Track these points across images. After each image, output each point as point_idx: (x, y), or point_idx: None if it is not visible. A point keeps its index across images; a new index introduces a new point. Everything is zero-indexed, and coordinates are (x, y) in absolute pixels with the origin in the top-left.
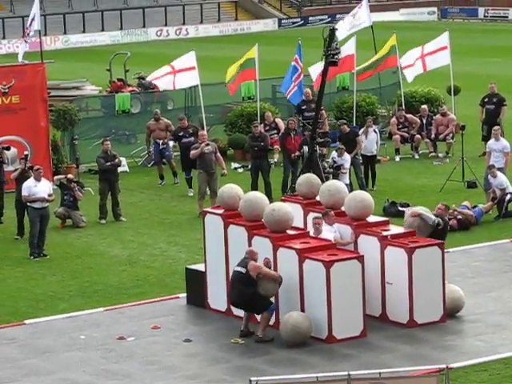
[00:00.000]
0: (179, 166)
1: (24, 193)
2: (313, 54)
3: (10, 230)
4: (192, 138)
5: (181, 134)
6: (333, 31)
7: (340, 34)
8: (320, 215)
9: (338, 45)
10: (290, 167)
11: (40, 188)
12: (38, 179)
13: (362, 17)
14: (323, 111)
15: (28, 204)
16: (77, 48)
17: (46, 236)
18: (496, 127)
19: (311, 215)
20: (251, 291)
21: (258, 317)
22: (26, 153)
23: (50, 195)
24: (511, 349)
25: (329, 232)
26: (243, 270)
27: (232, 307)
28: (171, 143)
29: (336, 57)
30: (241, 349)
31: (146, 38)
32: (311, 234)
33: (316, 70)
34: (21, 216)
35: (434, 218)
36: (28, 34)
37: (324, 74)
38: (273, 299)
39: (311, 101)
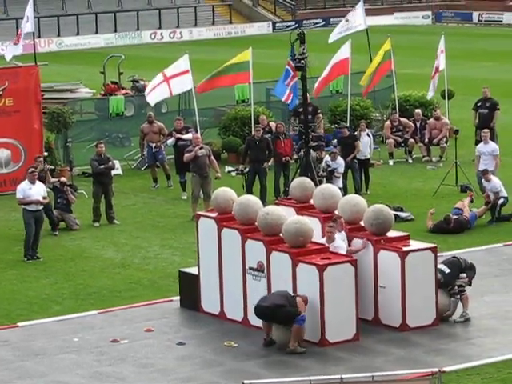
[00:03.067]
0: (173, 169)
1: (18, 195)
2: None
3: (3, 232)
4: (188, 140)
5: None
6: (301, 36)
7: (332, 37)
8: (333, 224)
9: (305, 49)
10: (281, 170)
11: (34, 190)
12: (32, 182)
13: (357, 20)
14: (320, 114)
15: (22, 206)
16: (71, 50)
17: (39, 239)
18: (485, 130)
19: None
20: (288, 310)
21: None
22: (45, 153)
23: (44, 198)
24: (503, 353)
25: (341, 240)
26: (292, 310)
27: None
28: (170, 140)
29: (302, 61)
30: (234, 352)
31: (140, 40)
32: (324, 241)
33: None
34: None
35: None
36: (21, 36)
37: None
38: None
39: (309, 104)
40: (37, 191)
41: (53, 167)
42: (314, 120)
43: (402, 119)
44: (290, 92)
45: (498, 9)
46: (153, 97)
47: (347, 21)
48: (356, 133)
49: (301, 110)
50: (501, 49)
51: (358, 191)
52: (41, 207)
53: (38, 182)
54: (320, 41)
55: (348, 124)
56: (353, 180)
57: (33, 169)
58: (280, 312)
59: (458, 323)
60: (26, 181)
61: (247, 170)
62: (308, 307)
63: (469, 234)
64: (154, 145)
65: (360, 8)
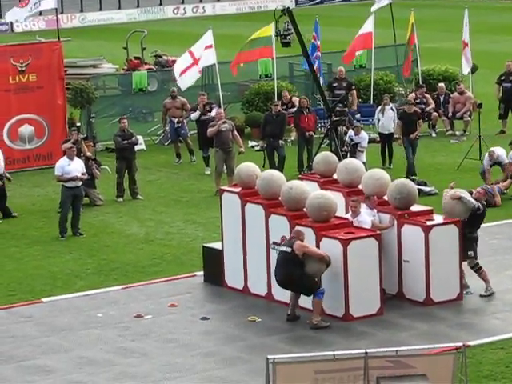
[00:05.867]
0: (196, 144)
1: (57, 172)
2: (330, 32)
3: (27, 208)
4: (211, 115)
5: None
6: (288, 11)
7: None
8: (357, 198)
9: (288, 25)
10: (305, 145)
11: (73, 167)
12: (71, 158)
13: None
14: (354, 91)
15: (61, 183)
16: (93, 26)
17: (80, 215)
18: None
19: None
20: (298, 271)
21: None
22: (78, 124)
23: (83, 174)
24: None
25: (367, 215)
26: (289, 250)
27: (276, 288)
28: (194, 114)
29: (288, 37)
30: (257, 327)
31: (163, 15)
32: (348, 216)
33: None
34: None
35: (474, 202)
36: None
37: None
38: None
39: (343, 79)
40: (75, 167)
41: (85, 135)
42: (348, 95)
43: (427, 95)
44: (318, 67)
45: None
46: (185, 81)
47: None
48: (380, 107)
49: (335, 84)
50: None
51: (410, 169)
52: (80, 183)
53: (76, 158)
54: (343, 15)
55: (372, 98)
56: (406, 156)
57: (71, 144)
58: (296, 283)
59: (482, 297)
60: (65, 157)
61: (266, 145)
62: (332, 281)
63: (493, 207)
64: (176, 120)
65: None
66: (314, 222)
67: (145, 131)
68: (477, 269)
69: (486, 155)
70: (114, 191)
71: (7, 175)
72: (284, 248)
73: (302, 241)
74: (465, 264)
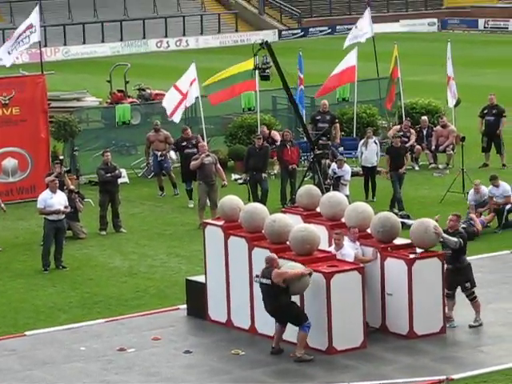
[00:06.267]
0: (180, 177)
1: (39, 205)
2: (314, 65)
3: (10, 241)
4: (195, 150)
5: (183, 144)
6: (267, 44)
7: (346, 43)
8: (340, 231)
9: (267, 59)
10: (288, 178)
11: (56, 200)
12: (53, 191)
13: (364, 27)
14: (337, 124)
15: (44, 216)
16: (77, 59)
17: (63, 247)
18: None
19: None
20: (284, 300)
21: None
22: (61, 157)
23: (66, 207)
24: (511, 360)
25: (350, 248)
26: (269, 282)
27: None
28: (172, 153)
29: (267, 71)
30: (241, 360)
31: (146, 49)
32: (332, 249)
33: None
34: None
35: (455, 240)
36: (18, 43)
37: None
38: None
39: (327, 112)
40: (58, 200)
41: (68, 168)
42: (331, 129)
43: (412, 130)
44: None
45: (504, 16)
46: (178, 115)
47: (356, 27)
48: (363, 140)
49: (318, 117)
50: (507, 56)
51: (398, 203)
52: (62, 216)
53: (59, 191)
54: (326, 48)
55: (355, 131)
56: (394, 191)
57: (54, 177)
58: (285, 312)
59: (471, 327)
60: (48, 190)
61: (248, 178)
62: (315, 314)
63: (476, 241)
64: (159, 153)
65: (367, 15)
66: (297, 255)
67: (128, 164)
68: (472, 298)
69: (471, 190)
70: (97, 224)
71: (2, 205)
72: (264, 280)
73: (277, 267)
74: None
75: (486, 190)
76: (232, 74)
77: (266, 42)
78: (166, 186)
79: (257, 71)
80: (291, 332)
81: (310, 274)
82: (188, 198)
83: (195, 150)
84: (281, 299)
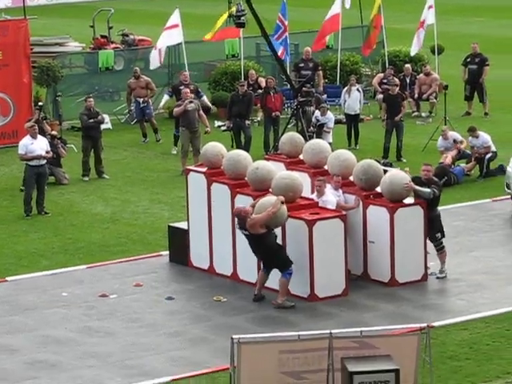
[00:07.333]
0: (166, 123)
1: (20, 151)
2: (297, 12)
3: None
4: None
5: (181, 88)
6: None
7: None
8: (322, 178)
9: (242, 6)
10: (271, 126)
11: (37, 145)
12: (33, 136)
13: None
14: (320, 71)
15: (25, 162)
16: (60, 4)
17: (45, 193)
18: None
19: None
20: (270, 243)
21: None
22: (40, 103)
23: (47, 152)
24: (491, 308)
25: (333, 195)
26: (247, 232)
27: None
28: (165, 97)
29: (242, 18)
30: (223, 307)
31: None
32: (314, 196)
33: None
34: None
35: (428, 191)
36: None
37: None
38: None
39: (310, 60)
40: (39, 146)
41: (44, 115)
42: (315, 76)
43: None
44: (284, 48)
45: None
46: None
47: None
48: (346, 88)
49: (301, 65)
50: (491, 4)
51: (399, 151)
52: (44, 162)
53: (39, 137)
54: None
55: (338, 79)
56: (396, 139)
57: (33, 123)
58: (272, 257)
59: (438, 279)
60: (28, 136)
61: (232, 125)
62: (297, 262)
63: (457, 189)
64: (141, 100)
65: None
66: None
67: (111, 110)
68: (440, 248)
69: (440, 137)
70: (80, 170)
71: None
72: (244, 231)
73: (248, 215)
74: (430, 245)
75: (454, 134)
76: (219, 27)
77: None
78: (148, 132)
79: (229, 19)
80: (274, 279)
81: (282, 203)
82: (173, 144)
83: (193, 95)
84: (266, 243)
